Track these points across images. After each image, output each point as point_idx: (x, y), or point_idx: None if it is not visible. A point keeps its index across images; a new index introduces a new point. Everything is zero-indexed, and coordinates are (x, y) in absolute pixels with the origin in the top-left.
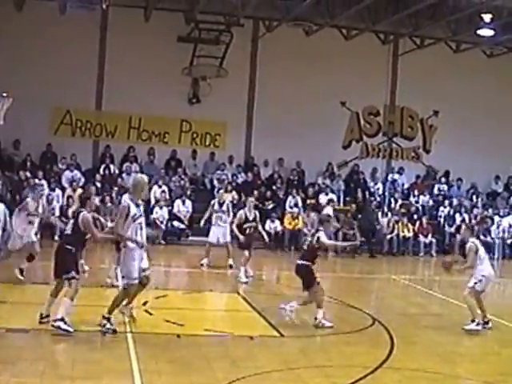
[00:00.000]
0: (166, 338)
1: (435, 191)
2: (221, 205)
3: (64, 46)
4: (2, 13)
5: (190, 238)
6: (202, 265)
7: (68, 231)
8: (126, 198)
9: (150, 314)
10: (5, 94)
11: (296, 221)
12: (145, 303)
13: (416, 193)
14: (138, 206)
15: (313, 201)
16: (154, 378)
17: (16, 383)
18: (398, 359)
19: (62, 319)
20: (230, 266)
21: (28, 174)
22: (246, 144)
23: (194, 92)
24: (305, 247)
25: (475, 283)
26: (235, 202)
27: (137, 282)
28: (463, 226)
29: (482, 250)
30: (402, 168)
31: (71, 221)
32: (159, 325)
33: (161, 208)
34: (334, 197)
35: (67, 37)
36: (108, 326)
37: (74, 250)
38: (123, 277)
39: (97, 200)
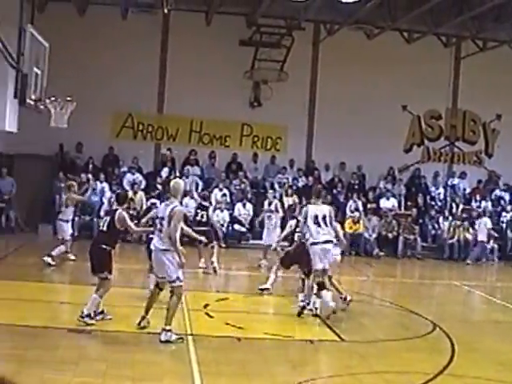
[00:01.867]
0: (226, 340)
1: (493, 196)
2: (269, 204)
3: (126, 50)
4: (65, 17)
5: (251, 241)
6: (259, 266)
7: (104, 229)
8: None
9: (211, 317)
10: (68, 98)
11: (357, 225)
12: (206, 306)
13: (478, 198)
14: None
15: (373, 205)
16: (214, 381)
17: (78, 383)
18: (459, 366)
19: (89, 315)
20: (259, 266)
21: (90, 177)
22: (306, 147)
23: (255, 95)
24: None
25: None
26: (295, 205)
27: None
28: None
29: None
30: (463, 172)
31: (106, 218)
32: (219, 327)
33: (222, 211)
34: (395, 201)
35: (129, 41)
36: (174, 337)
37: (109, 248)
38: (175, 280)
39: (158, 203)
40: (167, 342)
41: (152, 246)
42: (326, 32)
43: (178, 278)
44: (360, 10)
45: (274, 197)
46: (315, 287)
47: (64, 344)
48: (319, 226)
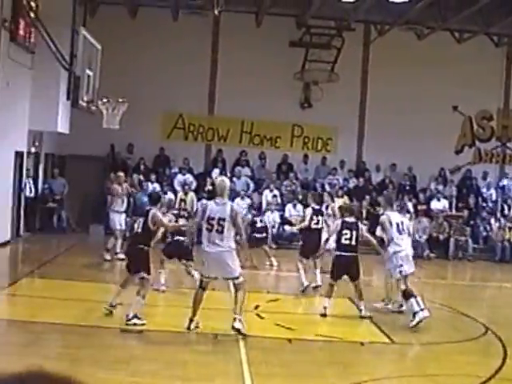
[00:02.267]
0: (277, 342)
1: None
2: (326, 207)
3: (176, 51)
4: (116, 20)
5: (301, 242)
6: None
7: (139, 230)
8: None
9: (262, 318)
10: (120, 100)
11: None
12: (256, 307)
13: None
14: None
15: (424, 206)
16: (264, 382)
17: (130, 382)
18: None
19: (136, 316)
20: None
21: (141, 178)
22: (357, 148)
23: (305, 96)
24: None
25: None
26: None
27: None
28: None
29: None
30: None
31: (140, 220)
32: (270, 328)
33: (272, 212)
34: (446, 202)
35: (180, 42)
36: (242, 330)
37: (147, 248)
38: (239, 276)
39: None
40: (238, 330)
41: (207, 248)
42: (377, 32)
43: (240, 273)
44: (410, 10)
45: (333, 200)
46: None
47: (116, 343)
48: (400, 233)
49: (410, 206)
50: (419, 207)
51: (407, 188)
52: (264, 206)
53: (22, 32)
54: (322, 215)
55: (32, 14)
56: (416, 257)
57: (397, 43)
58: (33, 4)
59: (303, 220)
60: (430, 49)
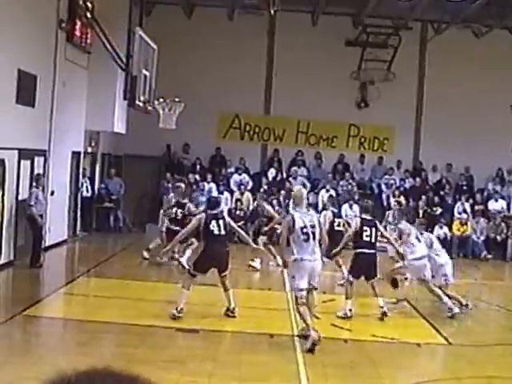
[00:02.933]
0: (333, 342)
1: None
2: None
3: (232, 51)
4: (172, 20)
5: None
6: None
7: (223, 232)
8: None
9: (318, 318)
10: (177, 99)
11: (465, 227)
12: None
13: None
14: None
15: (481, 207)
16: (320, 382)
17: (185, 382)
18: None
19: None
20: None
21: (197, 177)
22: (414, 148)
23: (362, 96)
24: None
25: None
26: (402, 207)
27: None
28: None
29: None
30: None
31: (220, 223)
32: (326, 329)
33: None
34: (504, 203)
35: (235, 42)
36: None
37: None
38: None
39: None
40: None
41: (308, 257)
42: (434, 31)
43: None
44: (468, 8)
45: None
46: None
47: (172, 343)
48: (419, 241)
49: (467, 206)
50: (476, 208)
51: (464, 188)
52: (320, 206)
53: (78, 33)
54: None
55: (88, 15)
56: (473, 258)
57: (454, 42)
58: (89, 4)
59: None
60: (487, 47)
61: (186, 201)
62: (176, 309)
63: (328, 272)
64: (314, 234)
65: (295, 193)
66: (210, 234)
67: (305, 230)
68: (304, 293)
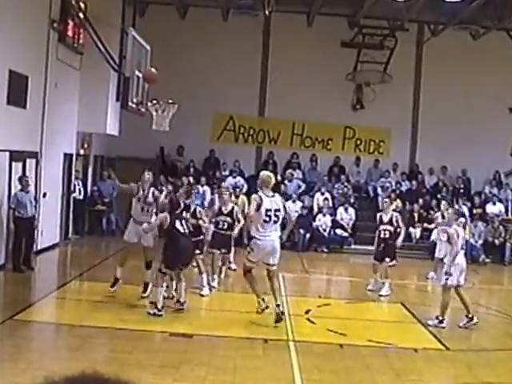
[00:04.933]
0: (328, 347)
1: None
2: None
3: (227, 52)
4: (166, 20)
5: (353, 246)
6: (427, 278)
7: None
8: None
9: (313, 323)
10: (170, 101)
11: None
12: (307, 312)
13: None
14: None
15: (479, 210)
16: None
17: None
18: None
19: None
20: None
21: (191, 180)
22: (410, 151)
23: (357, 98)
24: None
25: None
26: (399, 209)
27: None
28: None
29: None
30: None
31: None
32: (322, 334)
33: (324, 215)
34: (501, 206)
35: (230, 42)
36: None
37: None
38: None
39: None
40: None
41: (266, 237)
42: (430, 32)
43: None
44: (465, 9)
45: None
46: None
47: (165, 348)
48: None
49: (464, 209)
50: (474, 211)
51: (461, 191)
52: (315, 209)
53: (70, 33)
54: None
55: (81, 15)
56: (471, 262)
57: (451, 43)
58: (81, 4)
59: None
60: (485, 49)
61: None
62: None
63: (325, 277)
64: (277, 216)
65: (263, 177)
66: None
67: (269, 213)
68: (253, 265)
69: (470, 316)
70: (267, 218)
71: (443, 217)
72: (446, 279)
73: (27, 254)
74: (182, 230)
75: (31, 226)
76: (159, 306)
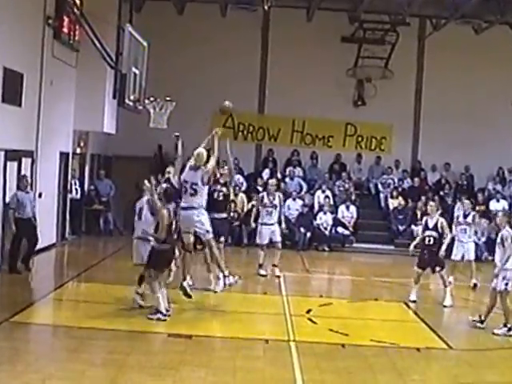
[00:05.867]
0: (330, 347)
1: None
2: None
3: (225, 48)
4: (163, 16)
5: (355, 244)
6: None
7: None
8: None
9: (314, 323)
10: (168, 98)
11: None
12: (308, 311)
13: None
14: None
15: (482, 207)
16: None
17: None
18: None
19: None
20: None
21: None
22: (412, 147)
23: (358, 94)
24: None
25: None
26: (400, 208)
27: None
28: None
29: None
30: None
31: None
32: (323, 334)
33: (325, 213)
34: (505, 203)
35: (228, 38)
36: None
37: None
38: None
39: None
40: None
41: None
42: (432, 27)
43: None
44: (467, 3)
45: (473, 208)
46: None
47: (164, 349)
48: None
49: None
50: (477, 208)
51: (464, 188)
52: (316, 207)
53: (66, 29)
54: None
55: (76, 11)
56: (475, 259)
57: (453, 38)
58: (77, 0)
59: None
60: (487, 43)
61: None
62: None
63: (326, 276)
64: (193, 189)
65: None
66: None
67: (185, 184)
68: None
69: (509, 326)
70: (184, 189)
71: (465, 216)
72: (506, 284)
73: (28, 255)
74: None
75: (32, 227)
76: (163, 311)
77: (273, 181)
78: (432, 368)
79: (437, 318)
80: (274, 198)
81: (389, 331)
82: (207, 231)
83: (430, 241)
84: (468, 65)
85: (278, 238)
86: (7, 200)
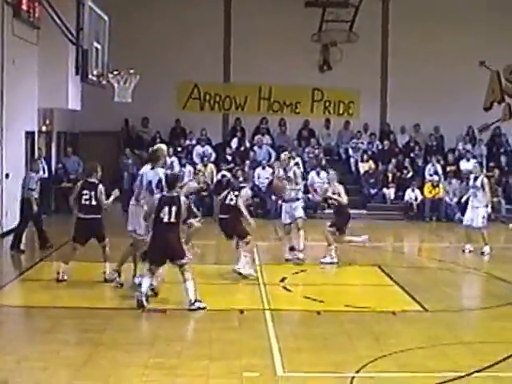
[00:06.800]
0: (305, 314)
1: None
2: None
3: (188, 19)
4: None
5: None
6: (463, 251)
7: (173, 220)
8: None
9: (289, 291)
10: (131, 71)
11: (436, 189)
12: (283, 279)
13: None
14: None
15: (453, 168)
16: (293, 356)
17: (154, 364)
18: None
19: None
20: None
21: None
22: (380, 110)
23: (324, 59)
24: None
25: None
26: (371, 171)
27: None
28: None
29: None
30: None
31: (172, 209)
32: (298, 302)
33: None
34: (475, 162)
35: (191, 8)
36: None
37: None
38: None
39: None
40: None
41: None
42: None
43: None
44: None
45: (482, 171)
46: None
47: (139, 325)
48: None
49: (438, 167)
50: (448, 168)
51: (434, 149)
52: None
53: (25, 7)
54: None
55: None
56: (446, 220)
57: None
58: None
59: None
60: (455, 2)
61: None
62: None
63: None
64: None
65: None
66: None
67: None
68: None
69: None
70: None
71: (475, 179)
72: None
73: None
74: (165, 220)
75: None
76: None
77: (285, 154)
78: (408, 331)
79: (412, 281)
80: (288, 172)
81: (364, 296)
82: None
83: None
84: (434, 24)
85: (298, 215)
86: None
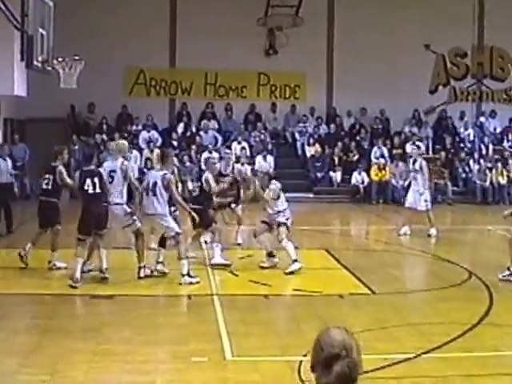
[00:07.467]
0: (253, 299)
1: None
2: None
3: (134, 4)
4: None
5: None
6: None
7: (98, 190)
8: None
9: (236, 275)
10: (77, 57)
11: (383, 172)
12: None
13: (510, 137)
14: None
15: (399, 150)
16: (242, 341)
17: (103, 350)
18: (498, 315)
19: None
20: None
21: (105, 137)
22: (327, 94)
23: (270, 43)
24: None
25: None
26: (317, 155)
27: None
28: None
29: None
30: (493, 111)
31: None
32: (245, 286)
33: (242, 165)
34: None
35: None
36: None
37: None
38: None
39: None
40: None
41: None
42: None
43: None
44: None
45: (420, 154)
46: None
47: (87, 311)
48: None
49: (384, 150)
50: (394, 151)
51: (380, 132)
52: (233, 158)
53: None
54: None
55: None
56: (394, 203)
57: None
58: None
59: None
60: None
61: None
62: (71, 279)
63: (245, 227)
64: (111, 177)
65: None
66: (85, 193)
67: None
68: None
69: None
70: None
71: (414, 163)
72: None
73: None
74: (91, 191)
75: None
76: (75, 278)
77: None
78: (356, 314)
79: (358, 264)
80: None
81: (311, 279)
82: None
83: None
84: (379, 8)
85: None
86: None
